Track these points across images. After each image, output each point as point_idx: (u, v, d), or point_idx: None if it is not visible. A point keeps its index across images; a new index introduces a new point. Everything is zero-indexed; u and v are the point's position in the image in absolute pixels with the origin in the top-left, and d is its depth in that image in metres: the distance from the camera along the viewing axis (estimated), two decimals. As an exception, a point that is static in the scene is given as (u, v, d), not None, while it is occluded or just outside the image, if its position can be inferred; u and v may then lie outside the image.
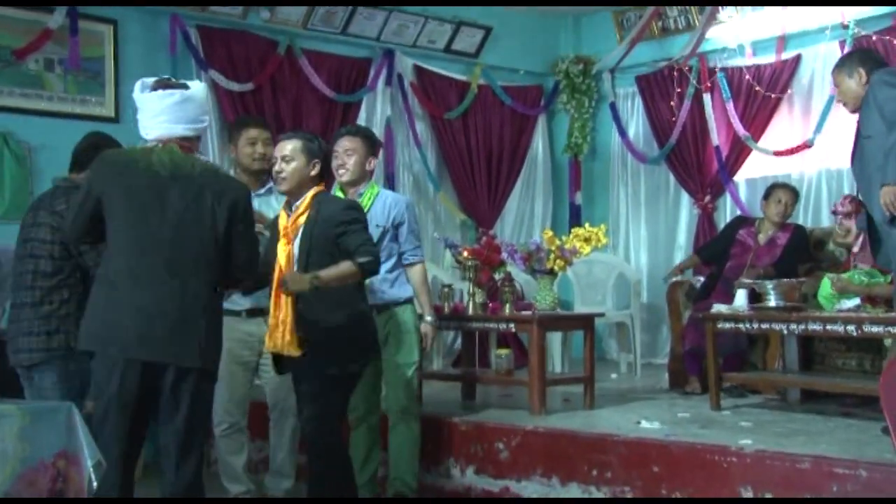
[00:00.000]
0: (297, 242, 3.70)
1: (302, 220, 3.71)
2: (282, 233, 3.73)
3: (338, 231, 3.66)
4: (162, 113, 3.31)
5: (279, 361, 3.80)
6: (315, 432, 3.76)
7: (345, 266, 3.60)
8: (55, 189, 3.98)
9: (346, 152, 4.33)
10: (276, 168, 3.79)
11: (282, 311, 3.61)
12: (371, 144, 4.40)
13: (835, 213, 5.57)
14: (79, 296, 3.79)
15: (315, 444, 3.78)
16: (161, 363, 3.18)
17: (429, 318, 4.53)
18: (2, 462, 2.95)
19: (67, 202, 3.74)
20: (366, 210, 4.20)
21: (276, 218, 3.87)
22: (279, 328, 3.62)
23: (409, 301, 4.46)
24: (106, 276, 3.24)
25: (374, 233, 4.22)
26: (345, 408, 3.90)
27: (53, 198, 3.91)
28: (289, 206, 3.80)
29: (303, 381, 3.75)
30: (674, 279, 6.26)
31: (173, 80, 3.50)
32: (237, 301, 4.20)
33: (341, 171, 4.35)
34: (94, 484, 3.18)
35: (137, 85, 3.39)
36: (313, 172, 3.79)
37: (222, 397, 4.15)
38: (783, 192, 5.87)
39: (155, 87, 3.36)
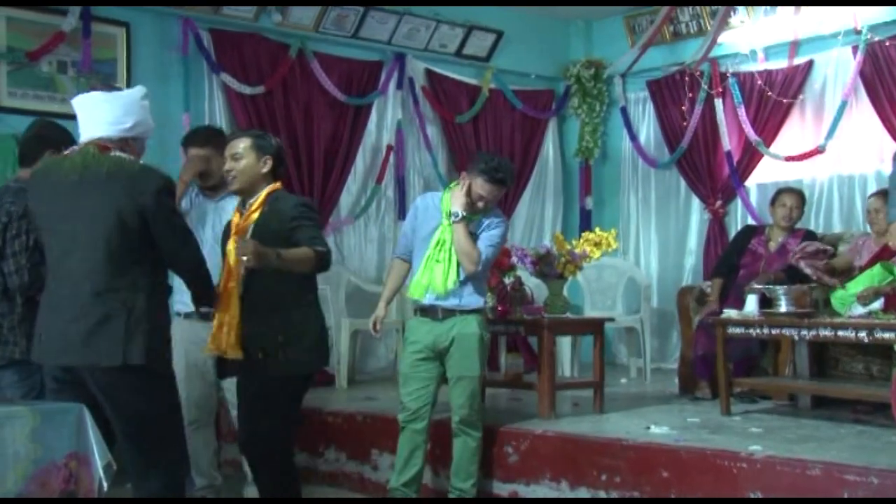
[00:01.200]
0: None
1: (254, 216, 3.66)
2: (233, 230, 3.68)
3: (291, 226, 3.61)
4: (84, 115, 3.41)
5: (223, 364, 3.76)
6: (259, 438, 3.70)
7: (303, 250, 3.53)
8: (5, 188, 3.97)
9: (486, 199, 4.34)
10: (227, 167, 3.76)
11: (228, 312, 3.58)
12: (507, 189, 4.51)
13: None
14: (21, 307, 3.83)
15: (258, 450, 3.74)
16: (81, 365, 3.27)
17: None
18: (14, 463, 2.96)
19: (14, 203, 3.80)
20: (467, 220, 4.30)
21: (229, 222, 3.82)
22: (223, 329, 3.59)
23: (476, 311, 4.41)
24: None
25: None
26: (291, 412, 3.77)
27: (2, 198, 3.89)
28: (242, 205, 3.77)
29: (247, 385, 3.71)
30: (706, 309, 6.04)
31: (111, 84, 3.58)
32: (188, 303, 4.10)
33: (468, 208, 4.33)
34: (105, 485, 3.19)
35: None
36: (265, 170, 3.73)
37: (182, 396, 4.08)
38: (788, 196, 5.85)
39: (90, 89, 3.54)
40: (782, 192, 5.92)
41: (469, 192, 4.30)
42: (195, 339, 4.20)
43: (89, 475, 3.16)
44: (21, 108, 5.66)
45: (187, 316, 4.31)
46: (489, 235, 4.40)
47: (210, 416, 4.55)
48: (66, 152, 3.43)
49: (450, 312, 4.37)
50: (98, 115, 3.38)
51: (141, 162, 3.46)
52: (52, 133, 3.97)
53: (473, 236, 4.36)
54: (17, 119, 5.40)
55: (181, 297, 4.19)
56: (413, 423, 4.43)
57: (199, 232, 4.28)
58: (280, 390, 3.66)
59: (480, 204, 4.36)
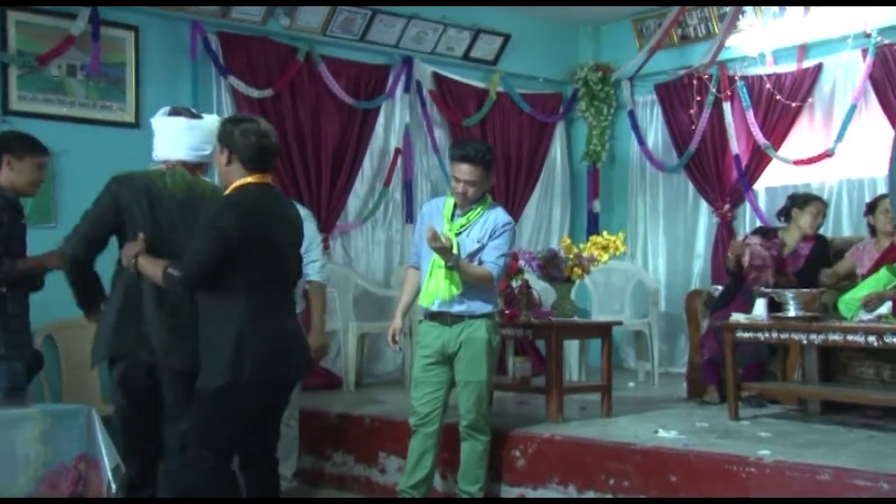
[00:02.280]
0: None
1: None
2: None
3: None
4: (167, 137, 3.70)
5: None
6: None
7: (159, 267, 3.44)
8: None
9: (468, 182, 4.32)
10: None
11: None
12: (492, 165, 4.37)
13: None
14: None
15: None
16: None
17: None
18: (24, 465, 2.98)
19: None
20: (468, 223, 4.33)
21: None
22: None
23: (485, 317, 4.38)
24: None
25: (472, 247, 4.30)
26: (211, 431, 3.43)
27: None
28: None
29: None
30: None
31: (191, 110, 3.84)
32: None
33: (459, 199, 4.38)
34: (114, 487, 3.20)
35: (159, 112, 3.77)
36: (226, 163, 3.55)
37: None
38: (821, 204, 5.80)
39: (171, 114, 3.71)
40: (814, 199, 5.85)
41: (434, 237, 4.15)
42: None
43: (98, 477, 3.19)
44: (31, 112, 5.68)
45: None
46: (497, 245, 4.36)
47: None
48: (155, 168, 3.72)
49: (458, 318, 4.37)
50: (182, 140, 3.69)
51: None
52: (10, 141, 4.22)
53: (479, 245, 4.33)
54: (27, 122, 5.41)
55: None
56: (424, 426, 4.43)
57: None
58: (198, 403, 3.47)
59: (470, 191, 4.32)
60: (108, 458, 3.21)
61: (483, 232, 4.36)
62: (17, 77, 5.70)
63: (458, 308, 4.35)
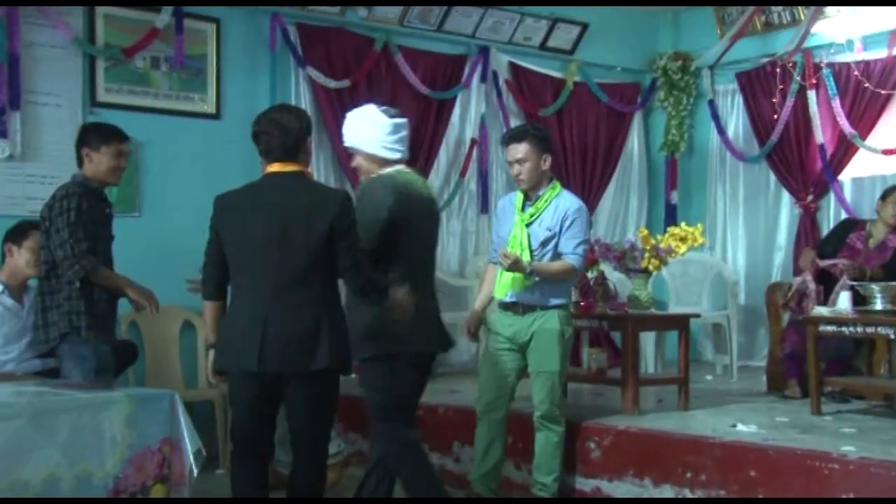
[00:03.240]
0: None
1: None
2: None
3: None
4: (408, 136, 3.85)
5: None
6: None
7: None
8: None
9: (519, 161, 4.33)
10: None
11: None
12: (540, 142, 4.37)
13: None
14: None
15: None
16: None
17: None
18: (111, 447, 3.07)
19: (61, 188, 4.17)
20: (537, 212, 4.34)
21: None
22: None
23: (557, 307, 4.38)
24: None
25: (543, 236, 4.30)
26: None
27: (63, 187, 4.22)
28: None
29: None
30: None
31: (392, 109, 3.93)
32: None
33: (520, 184, 4.40)
34: (195, 471, 3.28)
35: (376, 109, 3.82)
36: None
37: None
38: None
39: (393, 115, 3.81)
40: (893, 189, 5.72)
41: (504, 258, 4.19)
42: None
43: (181, 461, 3.26)
44: (117, 103, 5.83)
45: None
46: (572, 235, 4.33)
47: None
48: (409, 171, 3.85)
49: (530, 308, 4.37)
50: (407, 140, 3.88)
51: None
52: (87, 134, 4.34)
53: (550, 234, 4.32)
54: (113, 114, 5.55)
55: None
56: (490, 413, 4.44)
57: None
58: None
59: (525, 171, 4.30)
60: (190, 443, 3.28)
61: (554, 220, 4.35)
62: (104, 69, 5.85)
63: (530, 298, 4.35)
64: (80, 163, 4.30)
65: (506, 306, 4.44)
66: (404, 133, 3.82)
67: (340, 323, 3.47)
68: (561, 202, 4.38)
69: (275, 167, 3.49)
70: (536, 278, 4.28)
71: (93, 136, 4.29)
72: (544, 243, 4.33)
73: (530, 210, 4.38)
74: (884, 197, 5.70)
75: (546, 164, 4.37)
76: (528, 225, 4.36)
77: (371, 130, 3.74)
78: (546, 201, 4.37)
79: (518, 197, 4.46)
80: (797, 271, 6.65)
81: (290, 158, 3.48)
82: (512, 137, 4.38)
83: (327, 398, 3.51)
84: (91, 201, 4.17)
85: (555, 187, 4.42)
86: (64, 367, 4.13)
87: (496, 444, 4.46)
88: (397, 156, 3.75)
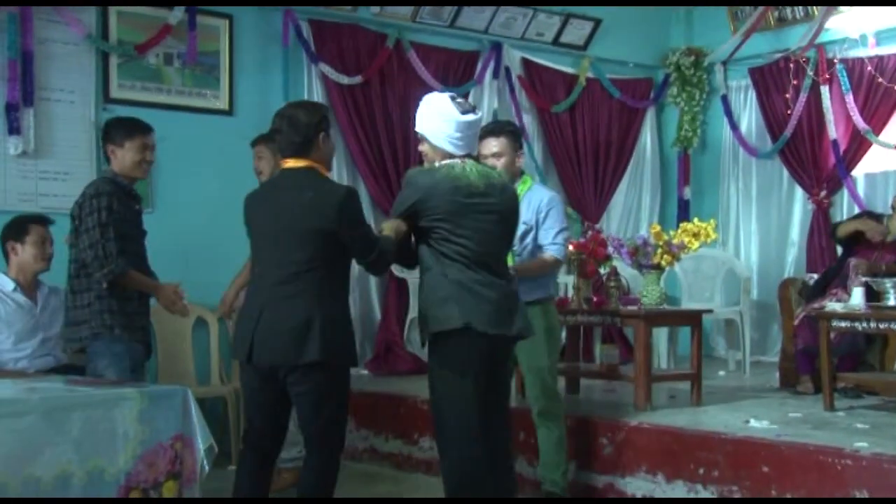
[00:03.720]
0: None
1: None
2: None
3: None
4: (475, 134, 3.70)
5: None
6: None
7: None
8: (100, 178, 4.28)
9: (494, 155, 4.29)
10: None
11: None
12: (517, 138, 4.37)
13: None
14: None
15: None
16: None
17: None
18: (123, 443, 3.08)
19: (90, 186, 4.12)
20: None
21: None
22: None
23: (538, 302, 4.32)
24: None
25: (520, 230, 4.20)
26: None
27: (93, 184, 4.18)
28: None
29: None
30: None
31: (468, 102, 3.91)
32: None
33: None
34: (206, 467, 3.28)
35: (450, 102, 3.62)
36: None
37: None
38: None
39: (465, 111, 3.62)
40: None
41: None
42: None
43: (193, 457, 3.26)
44: (130, 100, 5.85)
45: None
46: (550, 226, 4.31)
47: None
48: (466, 164, 3.65)
49: None
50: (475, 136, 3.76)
51: None
52: (111, 130, 4.28)
53: (526, 227, 4.28)
54: (126, 110, 5.55)
55: None
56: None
57: None
58: None
59: (499, 164, 4.25)
60: (201, 439, 3.29)
61: (529, 213, 4.34)
62: (118, 66, 5.87)
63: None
64: (107, 159, 4.28)
65: None
66: (474, 131, 3.72)
67: (338, 316, 3.48)
68: (534, 196, 4.39)
69: (289, 163, 3.54)
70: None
71: (116, 131, 4.23)
72: (522, 237, 4.31)
73: None
74: None
75: (520, 160, 4.40)
76: None
77: (441, 123, 3.62)
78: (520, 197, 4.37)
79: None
80: (813, 264, 6.65)
81: (301, 154, 3.51)
82: (490, 132, 4.33)
83: (327, 391, 3.48)
84: (121, 199, 4.11)
85: (525, 181, 4.44)
86: (97, 365, 4.06)
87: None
88: (461, 152, 3.65)
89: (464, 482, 3.50)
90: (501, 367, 3.67)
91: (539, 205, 4.36)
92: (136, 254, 4.18)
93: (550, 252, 4.34)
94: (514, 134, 4.38)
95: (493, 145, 4.30)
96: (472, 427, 3.49)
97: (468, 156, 3.65)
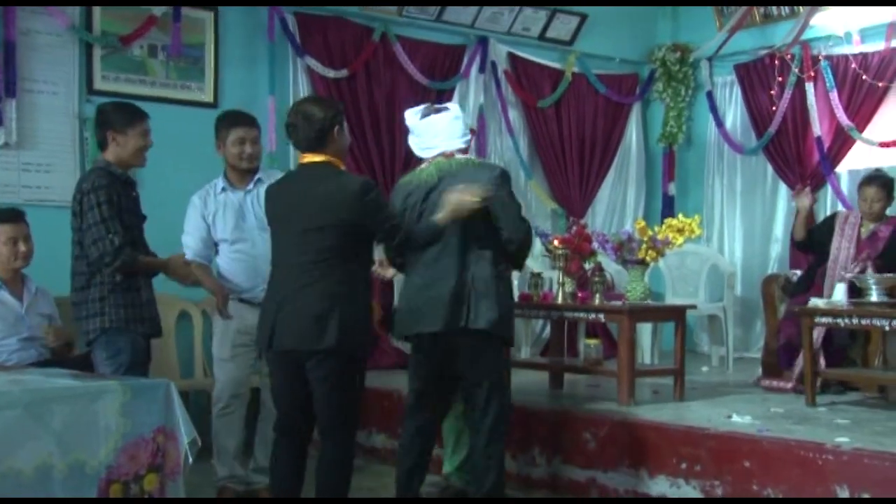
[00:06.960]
0: None
1: None
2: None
3: None
4: (434, 132, 3.96)
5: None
6: None
7: None
8: (92, 169, 4.21)
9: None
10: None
11: None
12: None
13: None
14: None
15: None
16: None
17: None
18: (105, 436, 3.06)
19: (85, 181, 4.06)
20: None
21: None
22: None
23: None
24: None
25: None
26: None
27: (88, 176, 4.13)
28: None
29: None
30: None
31: (435, 105, 4.12)
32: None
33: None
34: (190, 460, 3.27)
35: (409, 112, 4.03)
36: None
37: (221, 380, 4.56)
38: (870, 189, 5.55)
39: (426, 113, 3.95)
40: (863, 183, 5.65)
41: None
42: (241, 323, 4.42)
43: (176, 450, 3.25)
44: (113, 91, 5.81)
45: (241, 300, 4.49)
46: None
47: (242, 403, 4.59)
48: (429, 163, 3.98)
49: None
50: (450, 131, 3.96)
51: None
52: (110, 115, 4.17)
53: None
54: (110, 102, 5.53)
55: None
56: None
57: (241, 223, 4.50)
58: None
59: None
60: (185, 432, 3.28)
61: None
62: (101, 57, 5.84)
63: None
64: (102, 147, 4.15)
65: None
66: (434, 128, 3.95)
67: (357, 306, 3.60)
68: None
69: (306, 157, 3.71)
70: None
71: (117, 117, 4.11)
72: None
73: None
74: (858, 190, 5.70)
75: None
76: None
77: (411, 136, 4.02)
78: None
79: None
80: (796, 261, 6.67)
81: (317, 148, 3.68)
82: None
83: (341, 379, 3.60)
84: (119, 189, 4.05)
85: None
86: (96, 357, 4.04)
87: (464, 437, 4.43)
88: (426, 154, 3.96)
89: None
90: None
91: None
92: (138, 241, 4.16)
93: None
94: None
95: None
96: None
97: (443, 154, 3.91)
